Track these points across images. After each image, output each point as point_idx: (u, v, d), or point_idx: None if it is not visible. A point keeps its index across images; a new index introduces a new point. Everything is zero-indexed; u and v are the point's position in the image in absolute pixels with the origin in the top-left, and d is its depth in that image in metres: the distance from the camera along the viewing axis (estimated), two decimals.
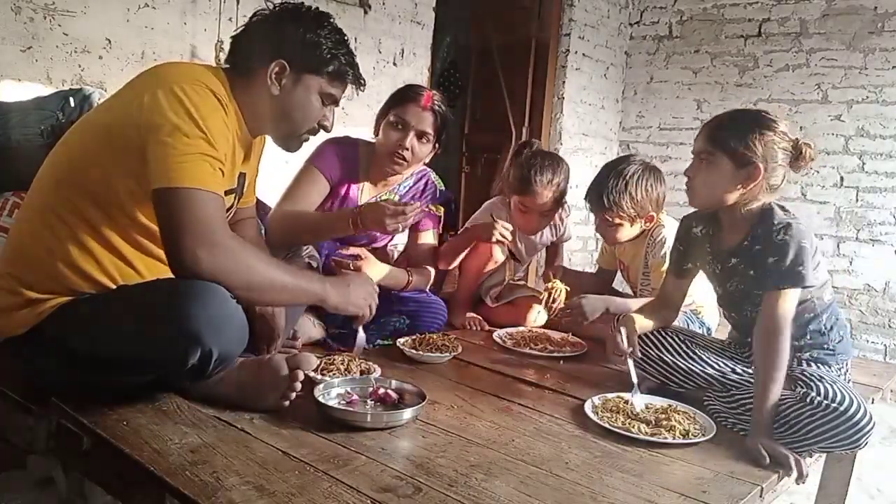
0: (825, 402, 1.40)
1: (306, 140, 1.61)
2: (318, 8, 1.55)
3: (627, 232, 2.21)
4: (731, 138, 1.56)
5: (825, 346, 1.66)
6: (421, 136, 2.05)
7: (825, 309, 1.65)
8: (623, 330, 1.68)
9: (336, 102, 1.58)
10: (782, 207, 1.62)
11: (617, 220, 2.16)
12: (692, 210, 1.75)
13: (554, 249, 2.68)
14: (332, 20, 1.54)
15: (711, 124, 1.62)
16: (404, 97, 2.06)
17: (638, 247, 2.29)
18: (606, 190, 2.13)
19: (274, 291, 1.40)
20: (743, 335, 1.74)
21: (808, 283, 1.52)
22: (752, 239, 1.61)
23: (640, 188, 2.12)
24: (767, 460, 1.36)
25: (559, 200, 2.34)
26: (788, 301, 1.52)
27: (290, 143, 1.59)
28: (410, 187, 2.24)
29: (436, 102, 2.05)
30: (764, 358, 1.49)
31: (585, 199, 2.23)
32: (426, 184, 2.26)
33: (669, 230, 2.17)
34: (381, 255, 2.38)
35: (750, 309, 1.66)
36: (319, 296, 1.47)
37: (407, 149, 2.03)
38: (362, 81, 1.60)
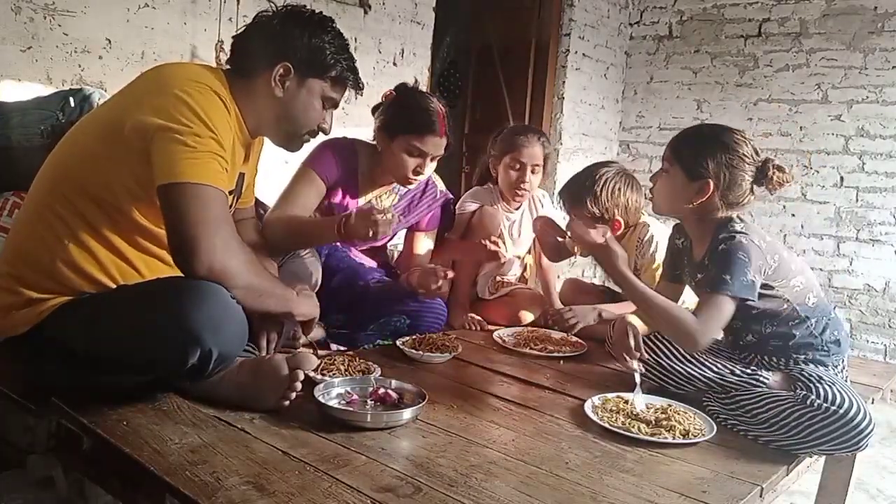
0: (825, 404, 1.40)
1: (306, 141, 1.62)
2: (321, 12, 1.56)
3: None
4: (687, 152, 1.63)
5: (820, 347, 1.66)
6: (434, 158, 2.07)
7: (812, 313, 1.65)
8: (631, 332, 1.70)
9: (336, 106, 1.60)
10: (741, 220, 1.64)
11: (581, 218, 2.14)
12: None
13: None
14: (334, 24, 1.56)
15: (678, 136, 1.68)
16: (424, 128, 1.99)
17: (623, 249, 2.28)
18: (574, 185, 2.20)
19: (266, 297, 1.43)
20: (733, 342, 1.76)
21: (735, 293, 1.53)
22: (709, 253, 1.64)
23: (605, 190, 2.16)
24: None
25: (546, 158, 2.46)
26: (717, 305, 1.53)
27: (290, 144, 1.60)
28: (410, 188, 2.24)
29: (447, 125, 2.03)
30: (676, 313, 1.54)
31: (559, 194, 2.28)
32: (426, 184, 2.26)
33: (655, 229, 2.20)
34: (382, 254, 2.39)
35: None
36: (291, 307, 1.52)
37: (423, 172, 2.06)
38: (361, 86, 1.62)
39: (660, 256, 2.13)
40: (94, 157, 1.35)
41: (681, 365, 1.72)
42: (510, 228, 2.56)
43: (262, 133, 1.59)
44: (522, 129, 2.52)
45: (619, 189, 2.17)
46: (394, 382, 1.53)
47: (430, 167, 2.08)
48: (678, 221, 1.83)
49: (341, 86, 1.57)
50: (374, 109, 2.12)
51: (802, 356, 1.65)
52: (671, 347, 1.75)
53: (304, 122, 1.55)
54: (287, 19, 1.51)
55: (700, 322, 1.53)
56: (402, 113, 2.03)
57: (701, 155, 1.61)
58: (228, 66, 1.53)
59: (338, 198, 2.10)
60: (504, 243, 2.47)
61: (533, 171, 2.42)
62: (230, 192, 1.52)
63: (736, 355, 1.75)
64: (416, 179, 2.08)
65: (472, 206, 2.47)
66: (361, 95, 1.63)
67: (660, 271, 2.07)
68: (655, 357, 1.74)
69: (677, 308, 1.58)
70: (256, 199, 1.85)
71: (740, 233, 1.59)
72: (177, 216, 1.28)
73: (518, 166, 2.41)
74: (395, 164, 2.04)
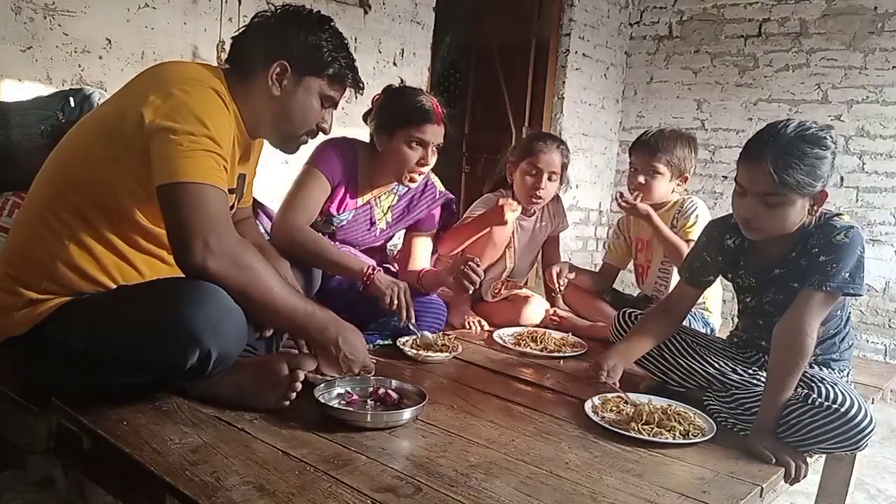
0: (826, 403, 1.39)
1: (304, 142, 1.61)
2: (319, 11, 1.56)
3: (662, 188, 2.28)
4: (803, 177, 1.46)
5: (834, 352, 1.66)
6: (436, 149, 2.07)
7: (845, 321, 1.66)
8: (606, 365, 1.65)
9: (335, 105, 1.59)
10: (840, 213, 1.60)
11: (661, 170, 2.25)
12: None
13: (552, 244, 2.69)
14: (332, 23, 1.55)
15: (772, 164, 1.44)
16: (421, 118, 2.01)
17: (661, 217, 2.31)
18: (654, 138, 2.26)
19: (272, 306, 1.35)
20: (763, 340, 1.70)
21: (856, 291, 1.49)
22: (804, 249, 1.56)
23: (686, 144, 2.29)
24: (773, 459, 1.36)
25: (564, 167, 2.42)
26: (826, 304, 1.50)
27: (288, 144, 1.59)
28: (409, 189, 2.23)
29: (443, 114, 2.05)
30: (785, 357, 1.47)
31: (632, 148, 2.33)
32: (426, 184, 2.26)
33: (697, 201, 2.29)
34: (381, 254, 2.39)
35: (780, 316, 1.62)
36: (315, 333, 1.42)
37: (426, 164, 2.06)
38: (361, 85, 1.61)
39: (699, 221, 2.22)
40: (95, 157, 1.35)
41: (683, 360, 1.72)
42: (521, 236, 2.53)
43: (260, 134, 1.58)
44: (543, 134, 2.51)
45: (692, 147, 2.30)
46: (394, 382, 1.53)
47: (433, 159, 2.08)
48: (719, 217, 1.77)
49: (340, 84, 1.56)
50: (366, 116, 2.13)
51: (812, 358, 1.64)
52: (674, 342, 1.75)
53: (302, 122, 1.54)
54: (285, 18, 1.51)
55: (810, 330, 1.46)
56: (396, 109, 2.04)
57: (816, 172, 1.47)
58: (227, 66, 1.53)
59: (338, 198, 2.10)
60: (513, 251, 2.48)
61: (550, 178, 2.38)
62: (231, 192, 1.52)
63: (739, 354, 1.75)
64: (421, 172, 2.08)
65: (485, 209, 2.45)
66: (362, 94, 1.62)
67: (696, 228, 2.14)
68: (658, 350, 1.74)
69: (793, 370, 1.46)
70: (254, 199, 1.85)
71: (853, 223, 1.53)
72: (173, 215, 1.28)
73: (535, 171, 2.37)
74: (397, 161, 2.04)
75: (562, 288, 2.39)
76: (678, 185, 2.31)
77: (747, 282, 1.71)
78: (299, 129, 1.56)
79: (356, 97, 1.63)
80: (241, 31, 1.54)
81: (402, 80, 2.17)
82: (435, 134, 2.03)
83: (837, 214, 1.58)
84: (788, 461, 1.36)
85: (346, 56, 1.54)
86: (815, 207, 1.53)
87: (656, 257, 2.35)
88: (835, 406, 1.39)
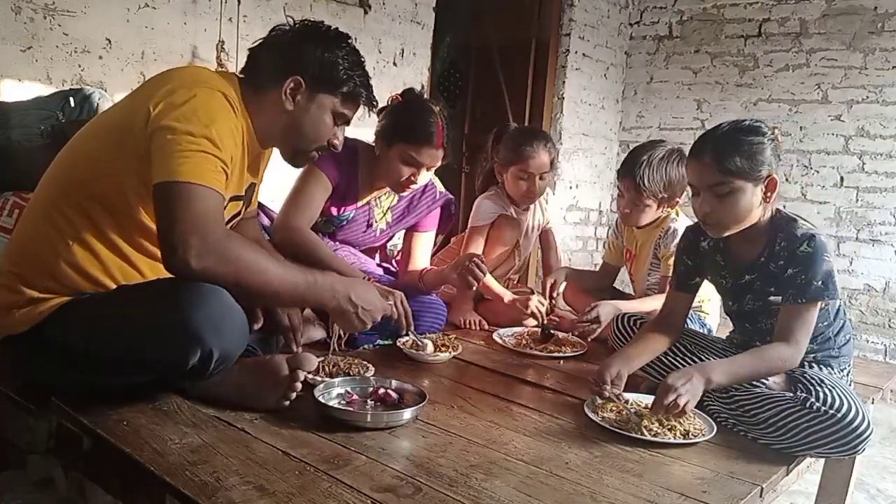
0: (823, 408, 1.39)
1: (314, 158, 1.61)
2: (337, 28, 1.54)
3: (650, 215, 2.23)
4: (743, 161, 1.51)
5: (831, 349, 1.66)
6: (430, 168, 2.07)
7: (836, 314, 1.65)
8: (608, 375, 1.59)
9: (347, 122, 1.58)
10: (798, 216, 1.61)
11: (648, 202, 2.18)
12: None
13: (547, 238, 2.69)
14: (349, 41, 1.54)
15: (711, 156, 1.52)
16: (421, 138, 1.99)
17: (648, 234, 2.31)
18: (641, 171, 2.14)
19: (270, 289, 1.34)
20: (756, 343, 1.70)
21: (832, 297, 1.52)
22: (771, 254, 1.58)
23: (673, 170, 2.16)
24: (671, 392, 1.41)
25: (552, 164, 2.43)
26: (809, 315, 1.52)
27: (297, 158, 1.59)
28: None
29: (445, 137, 2.02)
30: (767, 362, 1.51)
31: (618, 178, 2.24)
32: (426, 185, 2.26)
33: (681, 224, 2.21)
34: (381, 254, 2.39)
35: (765, 319, 1.65)
36: (326, 299, 1.42)
37: (415, 182, 2.06)
38: (375, 103, 1.60)
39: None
40: (103, 156, 1.35)
41: (682, 361, 1.72)
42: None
43: (271, 144, 1.58)
44: (528, 135, 2.43)
45: (680, 170, 2.16)
46: (394, 382, 1.53)
47: (425, 176, 2.08)
48: (692, 223, 1.77)
49: (353, 102, 1.55)
50: (379, 112, 2.12)
51: (811, 356, 1.64)
52: (674, 344, 1.75)
53: (314, 138, 1.54)
54: (302, 33, 1.50)
55: (794, 343, 1.51)
56: (401, 121, 2.03)
57: (755, 155, 1.51)
58: (242, 76, 1.52)
59: (338, 198, 2.10)
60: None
61: (541, 178, 2.40)
62: (240, 199, 1.53)
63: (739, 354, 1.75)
64: (408, 188, 2.08)
65: (492, 218, 2.45)
66: (375, 111, 1.61)
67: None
68: None
69: (764, 361, 1.53)
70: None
71: (813, 230, 1.55)
72: (163, 215, 1.27)
73: (526, 176, 2.38)
74: (389, 171, 2.04)
75: (556, 301, 2.40)
76: (668, 207, 2.24)
77: (725, 283, 1.72)
78: (310, 144, 1.55)
79: (368, 116, 1.61)
80: (258, 42, 1.54)
81: (422, 87, 2.14)
82: (431, 157, 2.02)
83: (794, 219, 1.59)
84: (678, 400, 1.40)
85: (361, 74, 1.53)
86: (769, 195, 1.56)
87: (642, 271, 2.35)
88: (832, 411, 1.38)
